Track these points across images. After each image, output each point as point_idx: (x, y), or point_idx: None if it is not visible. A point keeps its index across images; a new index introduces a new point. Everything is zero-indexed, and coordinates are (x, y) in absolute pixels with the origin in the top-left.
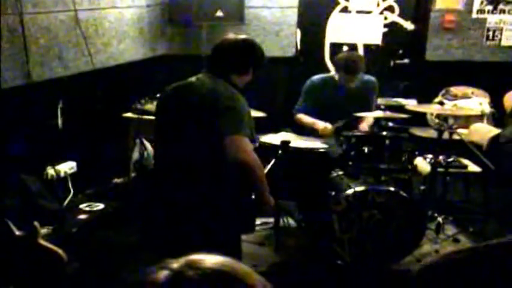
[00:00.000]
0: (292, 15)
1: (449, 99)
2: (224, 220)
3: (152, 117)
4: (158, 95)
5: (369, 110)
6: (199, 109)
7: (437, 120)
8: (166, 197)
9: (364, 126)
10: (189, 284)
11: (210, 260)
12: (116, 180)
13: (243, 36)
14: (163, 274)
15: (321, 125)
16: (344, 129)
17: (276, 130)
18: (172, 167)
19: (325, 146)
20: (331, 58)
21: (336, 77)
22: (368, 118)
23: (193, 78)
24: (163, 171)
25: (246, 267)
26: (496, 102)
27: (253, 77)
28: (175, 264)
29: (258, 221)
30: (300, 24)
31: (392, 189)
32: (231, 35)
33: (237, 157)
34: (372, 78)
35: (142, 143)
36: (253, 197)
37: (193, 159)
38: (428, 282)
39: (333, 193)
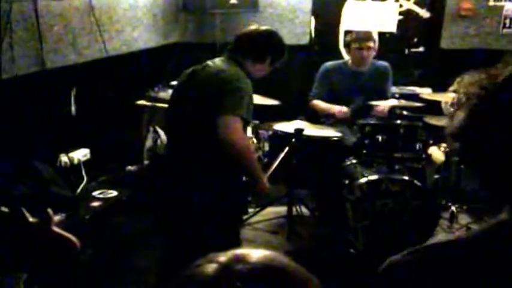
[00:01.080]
0: (307, 3)
1: None
2: (216, 200)
3: (165, 105)
4: (172, 83)
5: (384, 95)
6: (205, 87)
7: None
8: (172, 177)
9: (381, 108)
10: (239, 278)
11: (257, 254)
12: (129, 167)
13: (265, 27)
14: (211, 267)
15: (337, 108)
16: (360, 115)
17: (291, 118)
18: (179, 147)
19: (339, 134)
20: (344, 43)
21: (349, 62)
22: (383, 107)
23: (209, 61)
24: (172, 151)
25: (292, 261)
26: None
27: (269, 70)
28: (223, 258)
29: (273, 209)
30: (315, 11)
31: (406, 178)
32: (254, 25)
33: (225, 135)
34: (385, 63)
35: (155, 131)
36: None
37: (194, 137)
38: (391, 281)
39: (347, 182)
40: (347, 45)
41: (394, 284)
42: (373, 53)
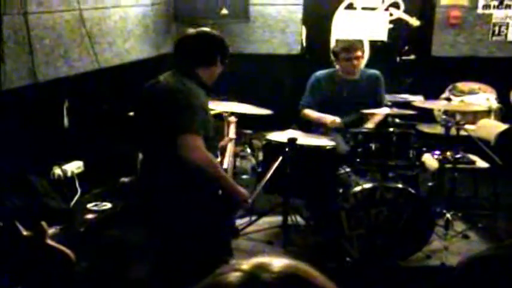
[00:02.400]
0: (298, 12)
1: (456, 95)
2: (193, 218)
3: None
4: None
5: (377, 103)
6: (157, 107)
7: (444, 116)
8: (143, 195)
9: (370, 124)
10: (265, 286)
11: (280, 262)
12: (123, 179)
13: (202, 29)
14: (235, 276)
15: (329, 119)
16: (352, 125)
17: (283, 127)
18: (144, 167)
19: (332, 143)
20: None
21: (339, 71)
22: (376, 116)
23: (160, 77)
24: (141, 171)
25: (314, 269)
26: (503, 97)
27: (221, 70)
28: (246, 266)
29: (268, 219)
30: (306, 21)
31: (400, 185)
32: (190, 30)
33: (187, 156)
34: (376, 72)
35: None
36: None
37: (156, 159)
38: (475, 275)
39: (341, 190)
40: (335, 55)
41: (481, 280)
42: (362, 61)
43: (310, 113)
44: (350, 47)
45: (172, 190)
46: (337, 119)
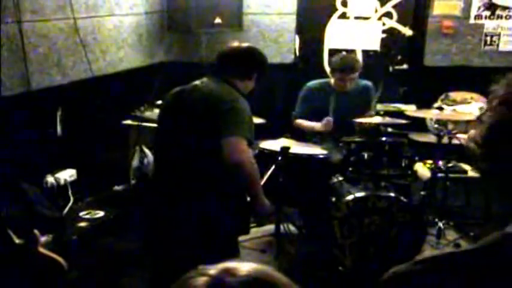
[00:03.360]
0: (291, 22)
1: (448, 105)
2: (218, 221)
3: (152, 125)
4: (158, 102)
5: (368, 113)
6: (201, 111)
7: (436, 126)
8: (165, 199)
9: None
10: None
11: (246, 267)
12: (116, 187)
13: (246, 44)
14: (202, 280)
15: (320, 124)
16: (344, 132)
17: (276, 136)
18: (172, 169)
19: (325, 152)
20: (329, 64)
21: (332, 81)
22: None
23: (197, 82)
24: (163, 173)
25: (282, 275)
26: None
27: (256, 85)
28: (213, 271)
29: (261, 228)
30: (299, 30)
31: (392, 194)
32: (235, 43)
33: (233, 157)
34: (369, 83)
35: (142, 150)
36: (248, 199)
37: (192, 160)
38: None
39: (334, 199)
40: (331, 69)
41: None
42: (355, 80)
43: (302, 122)
44: (346, 69)
45: (200, 194)
46: (328, 119)
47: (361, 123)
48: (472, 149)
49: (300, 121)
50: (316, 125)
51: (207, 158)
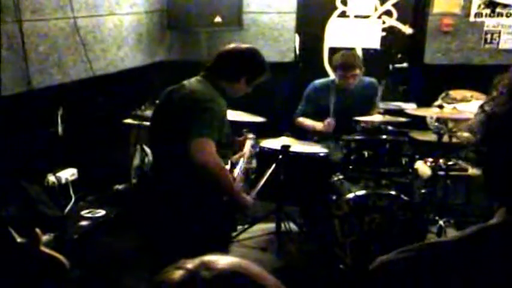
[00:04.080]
0: (291, 20)
1: (448, 103)
2: (198, 220)
3: None
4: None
5: (370, 110)
6: (177, 111)
7: (437, 124)
8: (153, 197)
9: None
10: (203, 284)
11: (224, 260)
12: (117, 186)
13: (245, 46)
14: (178, 274)
15: (322, 124)
16: (343, 131)
17: (277, 135)
18: (157, 169)
19: (325, 150)
20: (330, 63)
21: (336, 80)
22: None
23: (186, 81)
24: (153, 174)
25: (260, 268)
26: None
27: (248, 89)
28: (190, 265)
29: (261, 226)
30: (299, 29)
31: (393, 193)
32: (234, 44)
33: (198, 158)
34: (373, 80)
35: (142, 149)
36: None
37: (169, 159)
38: (381, 280)
39: (334, 197)
40: (333, 67)
41: (389, 282)
42: (358, 77)
43: (303, 120)
44: (347, 66)
45: (181, 192)
46: (329, 120)
47: (362, 121)
48: (466, 137)
49: (301, 119)
50: (317, 125)
51: (183, 157)
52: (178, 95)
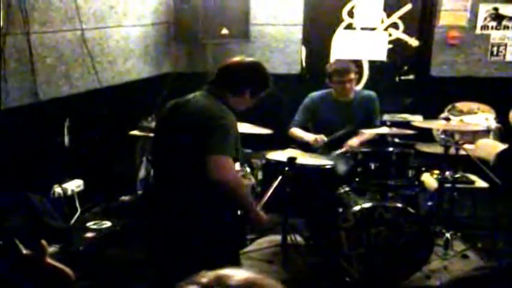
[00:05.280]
0: (297, 33)
1: (455, 115)
2: (212, 236)
3: None
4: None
5: (371, 124)
6: (188, 127)
7: (443, 136)
8: (161, 211)
9: (354, 141)
10: None
11: (238, 275)
12: (123, 198)
13: (249, 59)
14: None
15: (312, 137)
16: (338, 143)
17: (283, 147)
18: (165, 184)
19: (331, 162)
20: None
21: (333, 92)
22: (364, 134)
23: (190, 96)
24: (159, 187)
25: (275, 282)
26: (502, 117)
27: (252, 102)
28: (204, 279)
29: (267, 238)
30: (305, 41)
31: (399, 205)
32: (239, 57)
33: (217, 176)
34: (371, 92)
35: (148, 161)
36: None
37: (181, 177)
38: None
39: (340, 210)
40: (328, 76)
41: None
42: (354, 83)
43: (295, 130)
44: (342, 70)
45: (193, 207)
46: (320, 138)
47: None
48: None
49: (293, 130)
50: (307, 137)
51: (196, 174)
52: (187, 111)
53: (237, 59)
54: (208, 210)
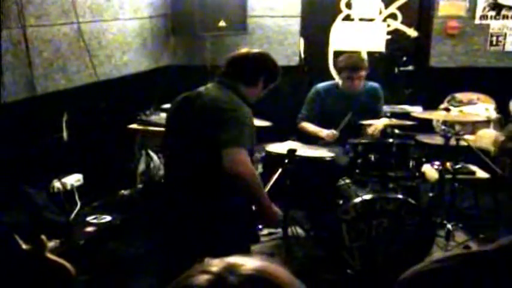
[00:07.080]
0: (295, 24)
1: (454, 106)
2: (225, 230)
3: (157, 128)
4: (163, 106)
5: (377, 116)
6: (202, 119)
7: (443, 127)
8: (173, 206)
9: (372, 129)
10: None
11: (250, 264)
12: (123, 192)
13: (257, 50)
14: (203, 279)
15: (325, 132)
16: (350, 134)
17: (281, 139)
18: (178, 176)
19: (332, 154)
20: (335, 65)
21: (340, 83)
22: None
23: (202, 88)
24: (170, 180)
25: (287, 272)
26: (502, 107)
27: (263, 93)
28: (215, 268)
29: (265, 231)
30: (303, 32)
31: (400, 196)
32: (245, 49)
33: (233, 169)
34: (376, 85)
35: (148, 154)
36: (253, 208)
37: (195, 169)
38: None
39: (341, 202)
40: (338, 69)
41: None
42: (363, 79)
43: (307, 125)
44: (355, 67)
45: (206, 201)
46: (333, 132)
47: (368, 125)
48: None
49: (305, 124)
50: (321, 132)
51: (211, 166)
52: (200, 103)
53: (244, 50)
54: (221, 204)
